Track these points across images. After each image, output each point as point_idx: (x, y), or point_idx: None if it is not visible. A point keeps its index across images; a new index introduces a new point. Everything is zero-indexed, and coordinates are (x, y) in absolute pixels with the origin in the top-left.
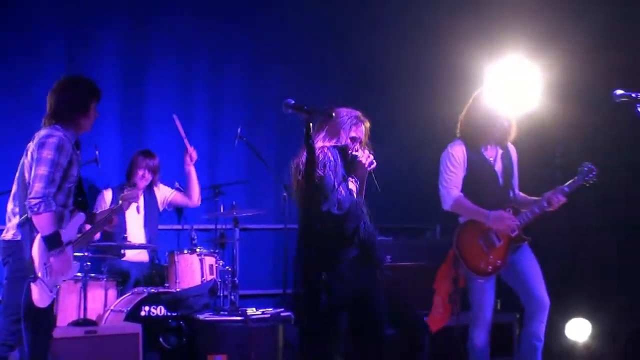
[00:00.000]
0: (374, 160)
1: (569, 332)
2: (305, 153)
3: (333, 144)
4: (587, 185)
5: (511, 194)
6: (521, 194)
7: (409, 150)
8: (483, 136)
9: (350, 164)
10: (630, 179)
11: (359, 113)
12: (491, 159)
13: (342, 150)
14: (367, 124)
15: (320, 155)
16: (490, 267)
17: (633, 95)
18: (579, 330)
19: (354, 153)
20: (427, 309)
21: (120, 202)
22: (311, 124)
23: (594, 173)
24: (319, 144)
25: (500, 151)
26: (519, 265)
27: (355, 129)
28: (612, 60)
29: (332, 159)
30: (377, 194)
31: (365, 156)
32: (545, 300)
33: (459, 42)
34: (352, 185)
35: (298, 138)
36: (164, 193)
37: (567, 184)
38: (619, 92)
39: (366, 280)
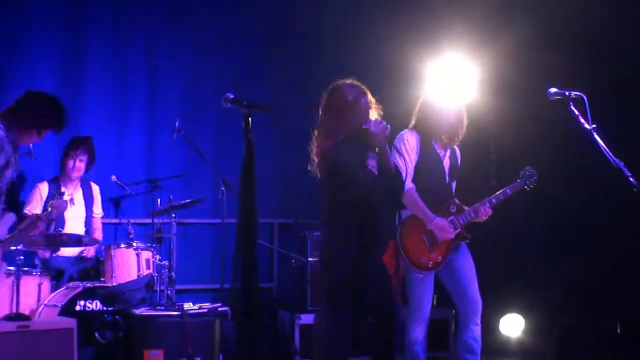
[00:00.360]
0: (387, 125)
1: (502, 327)
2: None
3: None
4: (528, 189)
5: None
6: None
7: None
8: (435, 130)
9: (366, 139)
10: (561, 177)
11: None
12: (441, 154)
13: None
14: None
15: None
16: (430, 262)
17: (567, 93)
18: (512, 325)
19: (363, 127)
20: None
21: (49, 208)
22: (250, 119)
23: (534, 178)
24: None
25: (448, 151)
26: (455, 263)
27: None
28: (546, 60)
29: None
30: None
31: (374, 124)
32: (478, 301)
33: (397, 40)
34: (372, 162)
35: (237, 132)
36: (96, 197)
37: (500, 192)
38: (553, 90)
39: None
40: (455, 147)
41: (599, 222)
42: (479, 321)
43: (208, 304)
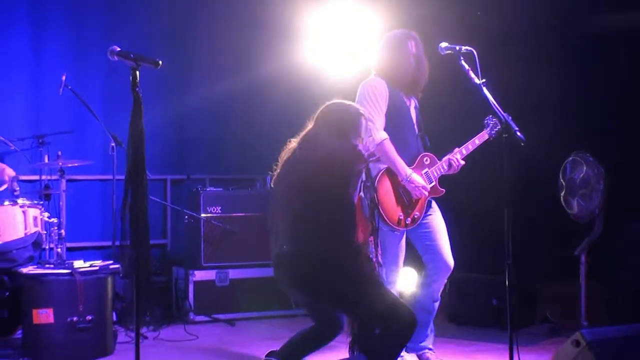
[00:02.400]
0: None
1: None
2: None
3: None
4: (491, 139)
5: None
6: None
7: (240, 102)
8: (398, 77)
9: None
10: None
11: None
12: (408, 105)
13: None
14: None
15: None
16: (409, 219)
17: (457, 47)
18: (406, 279)
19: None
20: (261, 259)
21: None
22: (137, 72)
23: (498, 127)
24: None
25: (413, 102)
26: (430, 219)
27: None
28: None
29: None
30: (205, 146)
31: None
32: (451, 262)
33: None
34: None
35: (126, 86)
36: None
37: (468, 142)
38: (444, 44)
39: None
40: (415, 100)
41: (485, 179)
42: (445, 281)
43: (100, 261)
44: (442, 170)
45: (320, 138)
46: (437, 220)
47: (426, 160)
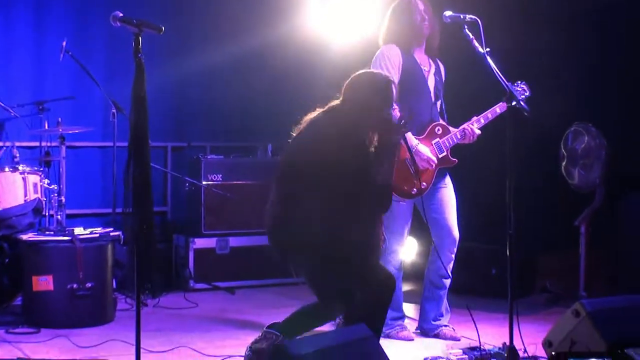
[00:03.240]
0: None
1: None
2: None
3: None
4: (518, 106)
5: (444, 111)
6: None
7: (241, 69)
8: (410, 38)
9: None
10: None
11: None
12: (425, 69)
13: None
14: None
15: None
16: (414, 189)
17: (461, 16)
18: (406, 249)
19: None
20: (262, 227)
21: None
22: (140, 38)
23: (527, 93)
24: None
25: (433, 66)
26: (440, 191)
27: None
28: None
29: None
30: (206, 113)
31: None
32: (456, 237)
33: None
34: None
35: (127, 53)
36: None
37: (489, 110)
38: (448, 13)
39: None
40: (440, 62)
41: (488, 148)
42: (453, 254)
43: (100, 228)
44: (454, 140)
45: (345, 109)
46: (447, 194)
47: (438, 129)
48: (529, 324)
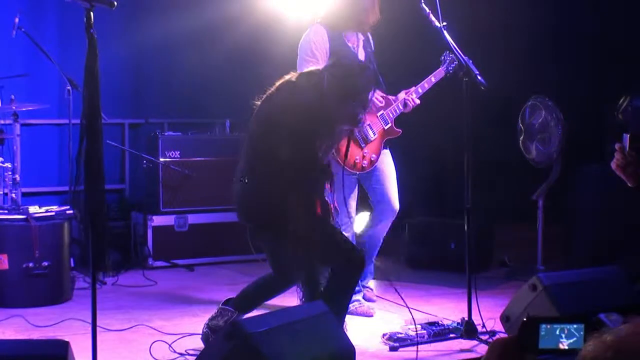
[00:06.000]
0: None
1: (356, 226)
2: None
3: None
4: (449, 75)
5: (382, 83)
6: None
7: (197, 44)
8: (344, 19)
9: None
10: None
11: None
12: (353, 46)
13: None
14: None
15: None
16: (365, 161)
17: None
18: (364, 224)
19: None
20: (220, 204)
21: None
22: (92, 13)
23: (455, 63)
24: None
25: (361, 38)
26: (379, 165)
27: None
28: None
29: None
30: (164, 89)
31: None
32: (396, 206)
33: None
34: None
35: (81, 28)
36: None
37: (424, 80)
38: None
39: None
40: (369, 33)
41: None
42: (390, 224)
43: (56, 207)
44: (397, 111)
45: (299, 86)
46: (386, 164)
47: (380, 101)
48: (488, 298)
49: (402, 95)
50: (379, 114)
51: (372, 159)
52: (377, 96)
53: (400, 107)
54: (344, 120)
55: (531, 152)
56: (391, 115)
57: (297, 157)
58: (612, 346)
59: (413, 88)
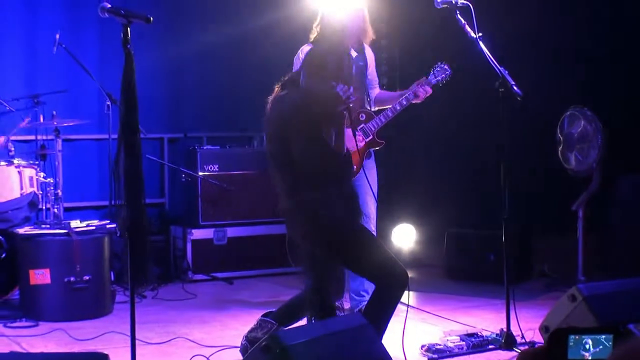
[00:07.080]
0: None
1: (395, 237)
2: None
3: None
4: (440, 85)
5: (366, 98)
6: (382, 91)
7: (235, 57)
8: (332, 44)
9: None
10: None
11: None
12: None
13: None
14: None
15: None
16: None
17: (453, 1)
18: (404, 235)
19: None
20: (259, 217)
21: None
22: (128, 29)
23: (448, 72)
24: None
25: (354, 54)
26: (360, 177)
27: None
28: None
29: None
30: (202, 104)
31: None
32: (374, 214)
33: None
34: None
35: (119, 44)
36: None
37: (408, 91)
38: None
39: None
40: (365, 46)
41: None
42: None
43: (96, 221)
44: (379, 123)
45: (301, 79)
46: (368, 175)
47: (362, 116)
48: (527, 310)
49: (413, 86)
50: (359, 128)
51: (353, 170)
52: (361, 112)
53: (382, 120)
54: (334, 100)
55: (570, 162)
56: (372, 127)
57: (315, 152)
58: None
59: (398, 100)
